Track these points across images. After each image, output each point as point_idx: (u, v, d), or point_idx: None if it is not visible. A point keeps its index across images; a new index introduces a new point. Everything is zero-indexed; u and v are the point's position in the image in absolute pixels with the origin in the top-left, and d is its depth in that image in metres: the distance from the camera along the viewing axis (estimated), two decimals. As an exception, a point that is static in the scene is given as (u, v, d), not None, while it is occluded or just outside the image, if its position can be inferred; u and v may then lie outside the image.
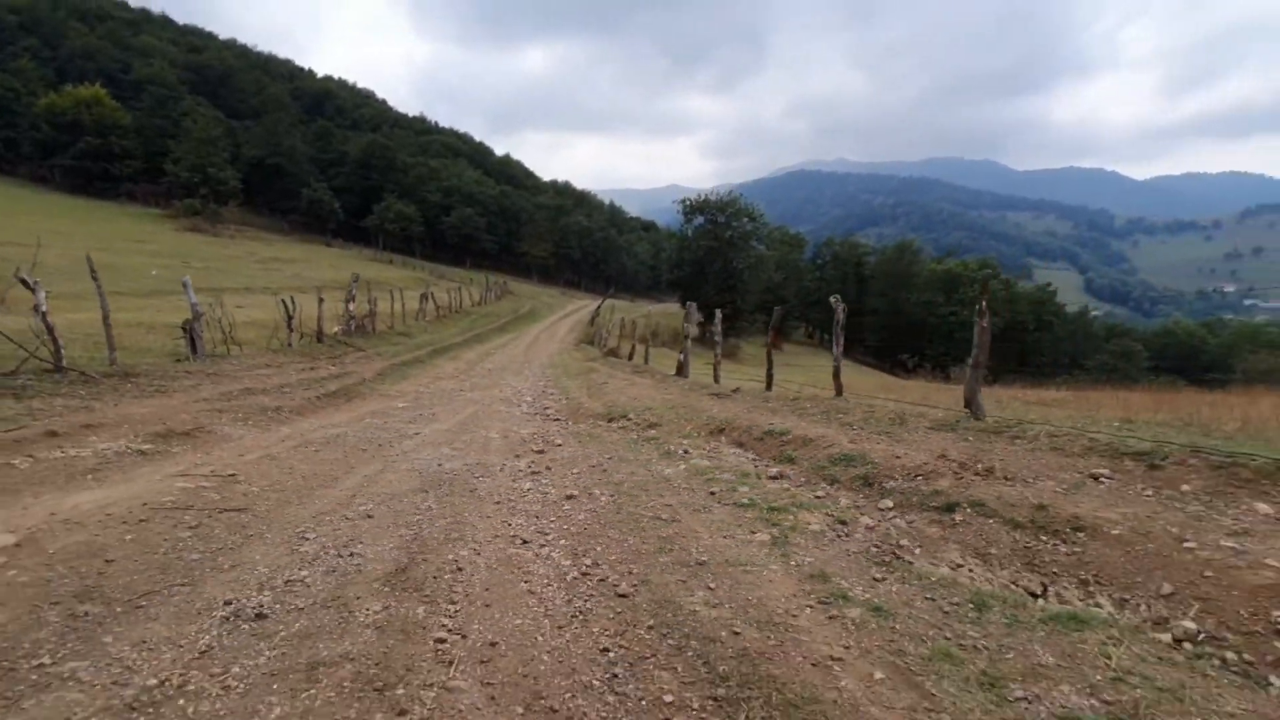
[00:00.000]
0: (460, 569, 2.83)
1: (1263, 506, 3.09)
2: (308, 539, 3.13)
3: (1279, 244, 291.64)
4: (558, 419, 7.47)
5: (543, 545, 3.17)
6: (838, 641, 2.28)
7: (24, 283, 6.60)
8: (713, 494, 4.09)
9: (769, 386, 9.27)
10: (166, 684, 1.95)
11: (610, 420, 7.34)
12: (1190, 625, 2.34)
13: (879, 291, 53.40)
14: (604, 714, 1.87)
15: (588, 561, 2.95)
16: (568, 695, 1.94)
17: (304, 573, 2.74)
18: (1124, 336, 53.17)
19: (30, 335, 6.65)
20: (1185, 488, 3.40)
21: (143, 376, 7.47)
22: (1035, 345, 47.48)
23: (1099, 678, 2.06)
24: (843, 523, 3.44)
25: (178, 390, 7.18)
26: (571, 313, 39.54)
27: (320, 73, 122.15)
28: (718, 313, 12.23)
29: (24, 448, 4.33)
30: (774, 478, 4.44)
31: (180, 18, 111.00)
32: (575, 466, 4.81)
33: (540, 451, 5.43)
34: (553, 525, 3.48)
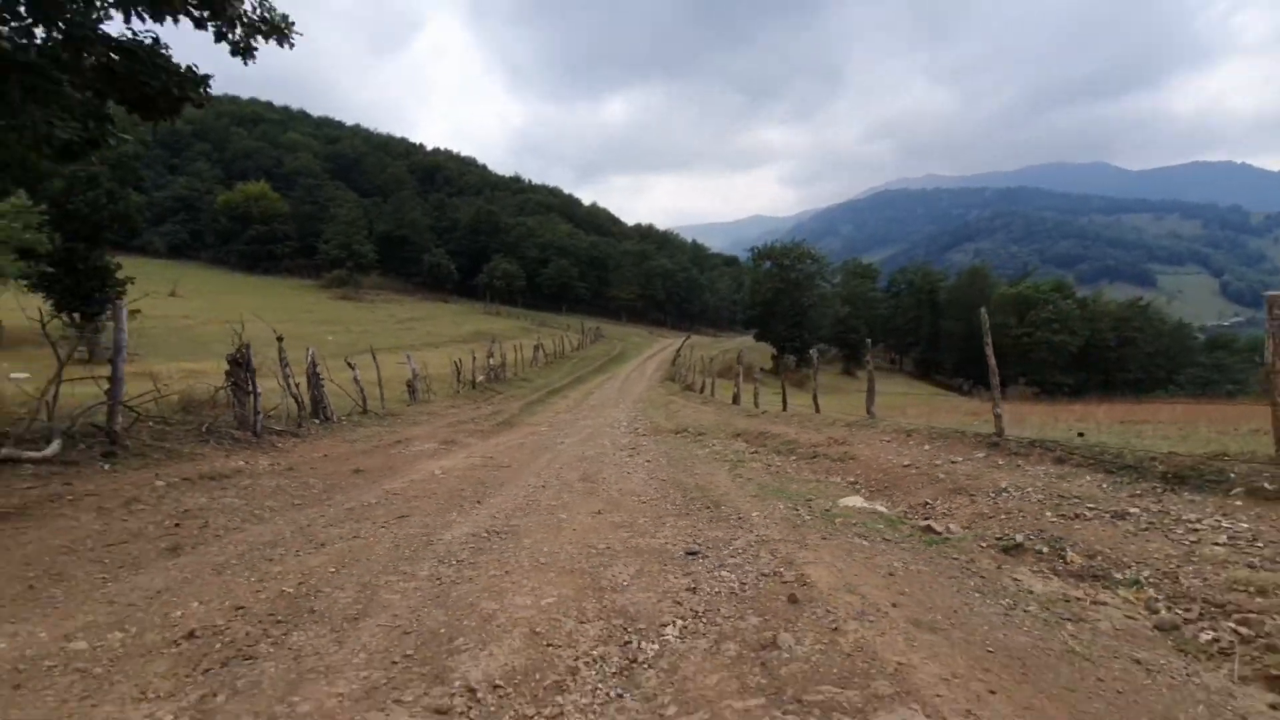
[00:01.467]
0: (604, 478, 7.30)
1: (980, 454, 6.95)
2: (539, 475, 7.72)
3: None
4: (644, 434, 11.97)
5: (635, 473, 7.60)
6: (735, 488, 6.55)
7: (237, 362, 11.89)
8: (715, 458, 8.43)
9: (784, 407, 13.44)
10: (507, 517, 6.51)
11: (676, 433, 11.78)
12: (904, 508, 6.42)
13: (954, 316, 54.94)
14: (657, 502, 6.25)
15: (655, 475, 7.34)
16: (645, 497, 6.31)
17: (545, 485, 7.31)
18: (1223, 349, 51.58)
19: (280, 393, 11.74)
20: (956, 449, 7.31)
21: (399, 415, 12.78)
22: (1119, 361, 47.46)
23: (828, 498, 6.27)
24: (766, 464, 7.70)
25: (424, 421, 12.40)
26: (657, 353, 44.38)
27: (429, 144, 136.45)
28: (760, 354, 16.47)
29: (394, 447, 9.40)
30: (752, 452, 8.74)
31: (314, 110, 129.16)
32: (650, 453, 9.24)
33: (634, 448, 9.94)
34: (639, 468, 7.92)
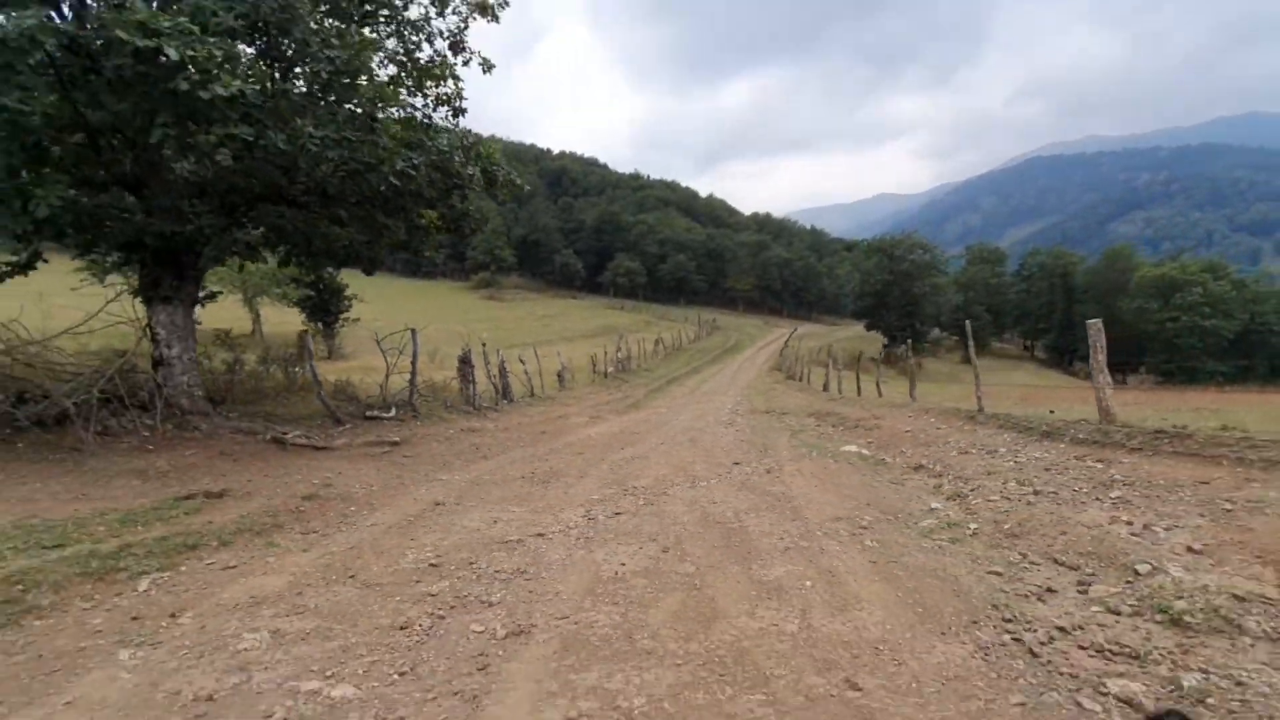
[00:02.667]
0: (702, 440, 10.76)
1: (959, 423, 9.66)
2: (659, 437, 11.33)
3: None
4: (740, 414, 15.28)
5: (724, 437, 10.99)
6: (784, 444, 9.75)
7: (464, 360, 16.34)
8: (785, 429, 11.64)
9: (879, 394, 16.17)
10: (642, 454, 10.13)
11: (767, 413, 14.98)
12: (882, 453, 9.37)
13: (1093, 300, 52.39)
14: (731, 450, 9.61)
15: (738, 438, 10.69)
16: (724, 448, 9.69)
17: (664, 442, 10.89)
18: None
19: (486, 381, 16.30)
20: (949, 422, 10.04)
21: (554, 398, 17.03)
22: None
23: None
24: (818, 432, 10.80)
25: (573, 403, 16.55)
26: (770, 343, 46.85)
27: (555, 148, 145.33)
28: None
29: (558, 419, 13.48)
30: (815, 425, 11.84)
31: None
32: (740, 426, 12.56)
33: (730, 423, 13.31)
34: (730, 434, 11.30)
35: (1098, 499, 4.38)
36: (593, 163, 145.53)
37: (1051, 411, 9.41)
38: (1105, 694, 2.27)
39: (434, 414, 10.91)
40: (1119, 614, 2.81)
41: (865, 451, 8.22)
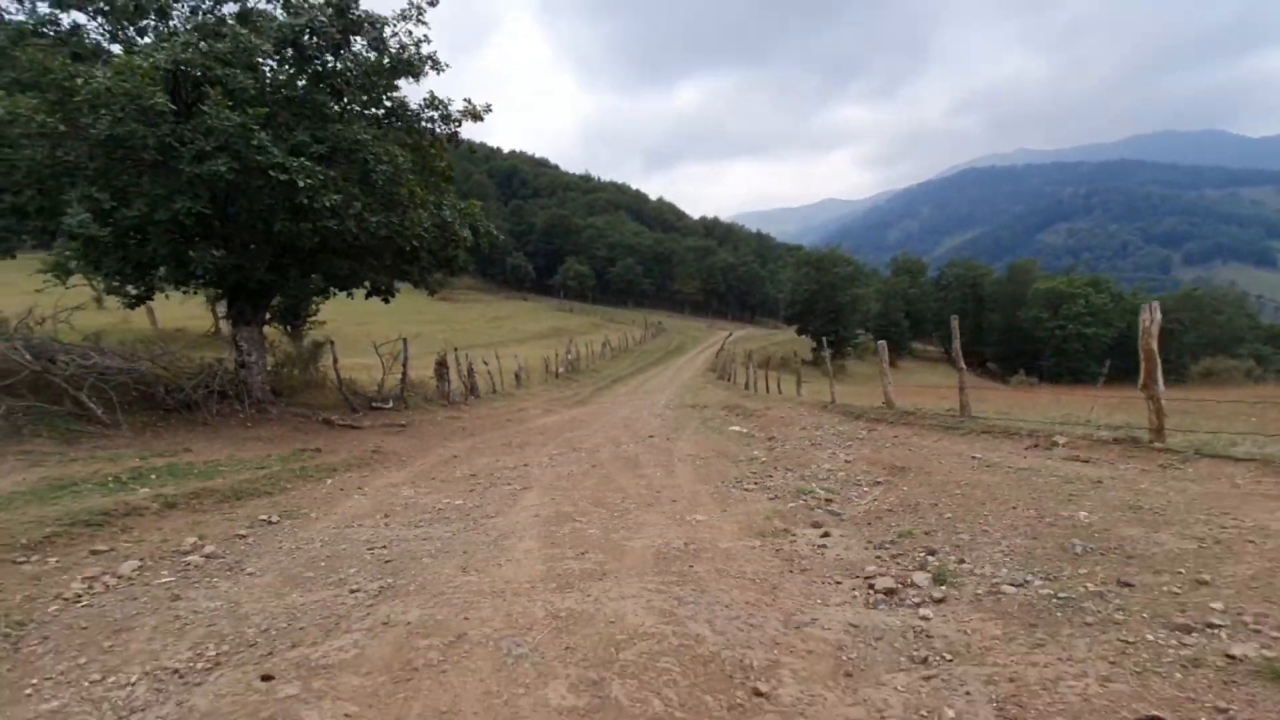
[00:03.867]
0: (635, 426, 13.87)
1: (818, 411, 13.08)
2: (602, 424, 14.40)
3: None
4: (671, 408, 18.51)
5: (652, 424, 14.14)
6: (692, 427, 12.97)
7: (441, 362, 19.16)
8: (699, 418, 14.90)
9: (798, 392, 19.66)
10: (590, 430, 13.18)
11: (692, 407, 18.24)
12: (755, 431, 12.69)
13: (1000, 309, 58.29)
14: (654, 431, 12.76)
15: (660, 423, 13.84)
16: (650, 430, 12.84)
17: (603, 426, 13.97)
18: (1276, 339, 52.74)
19: (456, 380, 19.16)
20: (812, 410, 13.44)
21: (513, 395, 19.93)
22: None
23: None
24: (723, 419, 14.10)
25: (529, 399, 19.49)
26: (712, 345, 50.55)
27: (506, 146, 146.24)
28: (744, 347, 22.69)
29: (520, 411, 16.44)
30: (724, 415, 15.16)
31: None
32: (668, 416, 15.74)
33: (659, 414, 16.51)
34: (656, 420, 14.46)
35: (836, 445, 7.74)
36: (543, 163, 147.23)
37: (886, 404, 12.96)
38: (769, 488, 5.51)
39: (419, 405, 13.76)
40: (795, 478, 6.09)
41: (743, 430, 11.54)
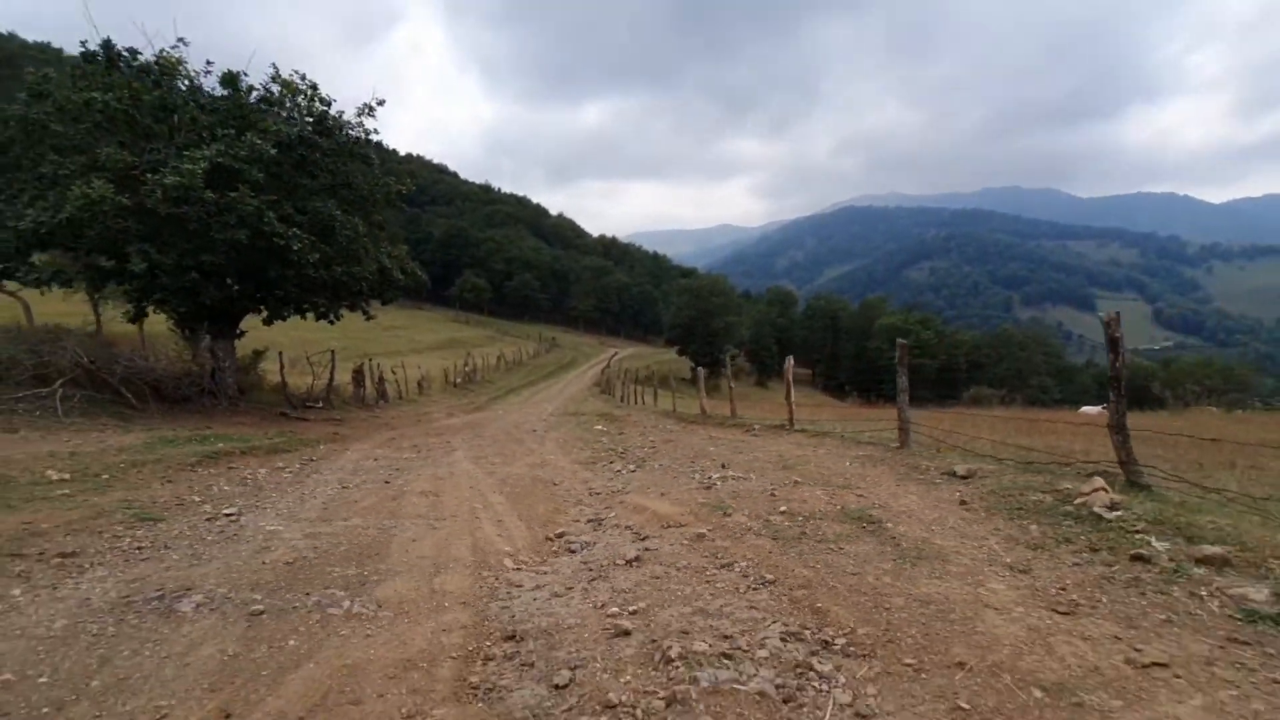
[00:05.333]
0: (524, 426, 17.47)
1: (671, 421, 17.24)
2: (499, 425, 17.87)
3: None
4: (555, 415, 22.22)
5: (537, 429, 17.80)
6: (566, 428, 16.80)
7: (358, 371, 22.00)
8: (575, 422, 18.75)
9: (661, 404, 23.95)
10: (490, 430, 16.66)
11: (573, 415, 22.06)
12: (615, 430, 16.77)
13: (852, 340, 66.93)
14: (538, 429, 16.44)
15: (544, 425, 17.52)
16: (534, 429, 16.50)
17: (501, 426, 17.47)
18: (1066, 371, 64.78)
19: (370, 386, 22.01)
20: (659, 418, 17.63)
21: (418, 401, 22.90)
22: (968, 380, 59.86)
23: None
24: (593, 423, 18.05)
25: (433, 405, 22.56)
26: (601, 362, 54.78)
27: (402, 147, 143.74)
28: (609, 361, 27.01)
29: (426, 415, 19.60)
30: (597, 420, 19.11)
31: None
32: (551, 421, 19.43)
33: (544, 419, 20.18)
34: (541, 423, 18.11)
35: (655, 435, 11.92)
36: (442, 169, 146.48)
37: (743, 418, 17.44)
38: (599, 453, 9.48)
39: (341, 407, 16.72)
40: (617, 450, 10.13)
41: (604, 428, 15.55)
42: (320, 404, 15.58)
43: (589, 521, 5.19)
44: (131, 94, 9.51)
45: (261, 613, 3.25)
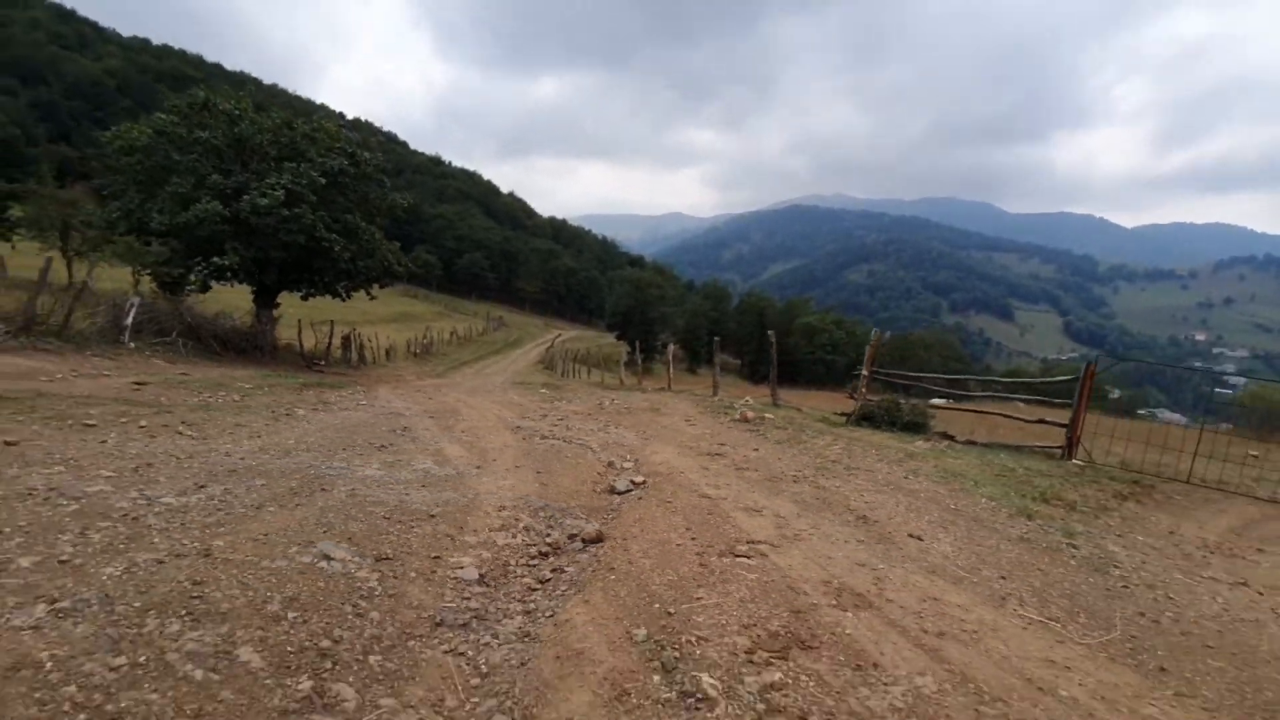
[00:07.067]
0: (481, 390, 22.07)
1: (600, 391, 22.20)
2: (455, 390, 22.40)
3: (1248, 296, 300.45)
4: (506, 386, 26.88)
5: (493, 392, 22.42)
6: (514, 391, 21.54)
7: (346, 338, 26.16)
8: (522, 389, 23.50)
9: (591, 378, 28.93)
10: (452, 392, 21.22)
11: (521, 384, 26.79)
12: (553, 397, 21.64)
13: (777, 335, 73.47)
14: (492, 392, 21.11)
15: (497, 392, 22.19)
16: (488, 393, 21.19)
17: (458, 393, 22.00)
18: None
19: (354, 351, 26.15)
20: (594, 389, 22.55)
21: (388, 366, 27.15)
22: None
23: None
24: (537, 389, 22.85)
25: (402, 369, 26.87)
26: (546, 341, 59.20)
27: (349, 113, 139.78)
28: (547, 343, 31.90)
29: (398, 376, 24.00)
30: (541, 388, 23.93)
31: (229, 64, 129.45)
32: (502, 387, 24.10)
33: (497, 386, 24.80)
34: (494, 391, 22.73)
35: (587, 399, 16.94)
36: (391, 138, 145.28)
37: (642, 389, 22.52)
38: (544, 408, 14.46)
39: (336, 366, 21.00)
40: (558, 405, 15.12)
41: (548, 392, 20.46)
42: (323, 362, 19.85)
43: (542, 417, 10.24)
44: (224, 133, 13.65)
45: (433, 415, 8.19)
